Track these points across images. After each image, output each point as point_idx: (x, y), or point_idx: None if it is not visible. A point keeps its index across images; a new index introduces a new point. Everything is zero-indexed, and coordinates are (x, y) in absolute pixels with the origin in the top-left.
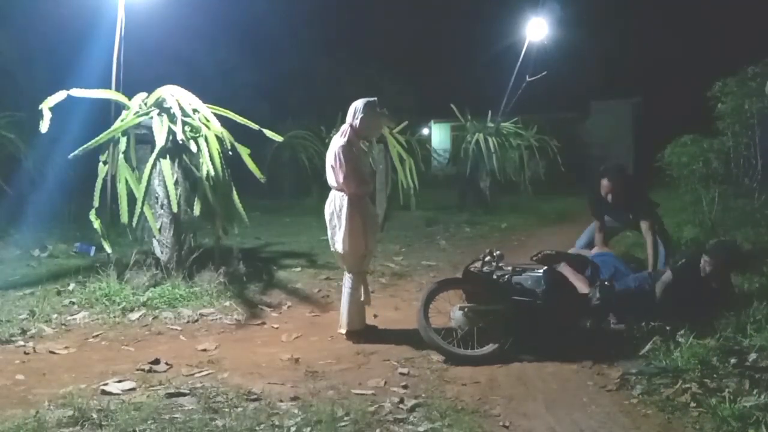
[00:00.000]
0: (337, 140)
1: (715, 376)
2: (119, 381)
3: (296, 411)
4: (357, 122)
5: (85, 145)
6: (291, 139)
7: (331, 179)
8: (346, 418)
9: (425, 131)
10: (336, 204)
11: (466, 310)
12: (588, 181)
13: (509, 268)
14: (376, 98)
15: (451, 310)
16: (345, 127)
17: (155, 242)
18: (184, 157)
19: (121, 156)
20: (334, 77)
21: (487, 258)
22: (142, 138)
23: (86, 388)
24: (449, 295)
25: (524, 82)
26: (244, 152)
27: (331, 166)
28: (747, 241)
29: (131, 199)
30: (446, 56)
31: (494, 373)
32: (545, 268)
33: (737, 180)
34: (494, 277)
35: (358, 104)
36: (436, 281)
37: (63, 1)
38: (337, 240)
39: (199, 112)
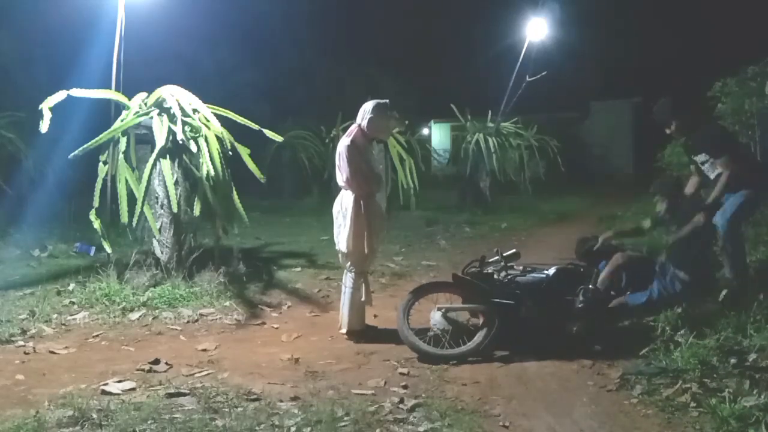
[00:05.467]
0: (343, 140)
1: (715, 376)
2: (119, 381)
3: (296, 411)
4: (365, 123)
5: (85, 145)
6: (291, 139)
7: (338, 178)
8: (346, 418)
9: (425, 131)
10: (343, 203)
11: (444, 310)
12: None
13: (520, 267)
14: (387, 101)
15: (431, 313)
16: (353, 127)
17: (155, 242)
18: (184, 157)
19: (121, 156)
20: (334, 77)
21: (495, 258)
22: (142, 138)
23: (86, 388)
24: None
25: (524, 82)
26: (244, 152)
27: (337, 165)
28: (747, 241)
29: (131, 199)
30: (446, 56)
31: (494, 373)
32: (556, 267)
33: None
34: (495, 276)
35: (368, 105)
36: (415, 288)
37: (63, 1)
38: (342, 239)
39: (199, 112)
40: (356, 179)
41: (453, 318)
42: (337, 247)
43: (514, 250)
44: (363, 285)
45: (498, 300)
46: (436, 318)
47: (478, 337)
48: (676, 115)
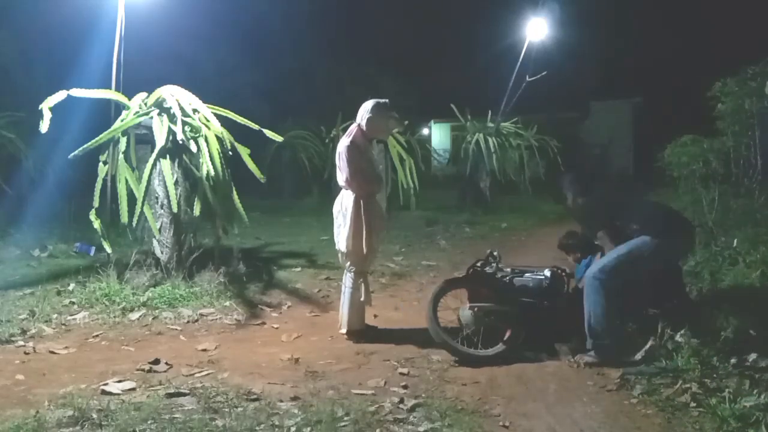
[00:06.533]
0: (343, 140)
1: (715, 376)
2: (119, 381)
3: (296, 411)
4: (365, 122)
5: (85, 145)
6: (291, 139)
7: (338, 178)
8: (346, 418)
9: (425, 131)
10: (343, 203)
11: (476, 309)
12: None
13: (508, 269)
14: (387, 100)
15: (460, 309)
16: (352, 127)
17: (155, 242)
18: (184, 157)
19: (121, 156)
20: (334, 77)
21: (489, 258)
22: (142, 138)
23: (86, 388)
24: (454, 294)
25: (524, 82)
26: (244, 152)
27: (338, 166)
28: (747, 241)
29: (131, 199)
30: (446, 56)
31: (494, 373)
32: (550, 269)
33: (737, 180)
34: (497, 277)
35: (367, 105)
36: (444, 280)
37: (63, 1)
38: (342, 239)
39: (199, 112)
40: (357, 179)
41: (482, 317)
42: (336, 247)
43: (496, 252)
44: (362, 285)
45: (526, 299)
46: (465, 315)
47: (509, 337)
48: (569, 187)
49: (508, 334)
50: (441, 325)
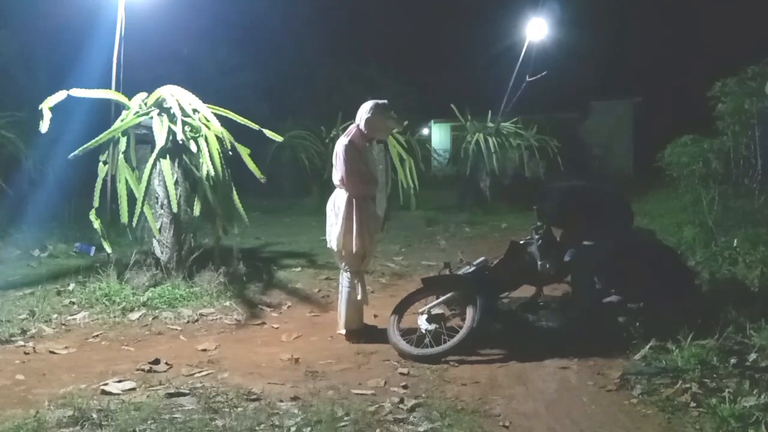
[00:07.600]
0: (342, 140)
1: (715, 376)
2: (119, 381)
3: (296, 411)
4: (364, 123)
5: (85, 145)
6: (291, 139)
7: (333, 177)
8: (346, 418)
9: (425, 131)
10: (336, 201)
11: (426, 312)
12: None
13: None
14: (386, 101)
15: (418, 322)
16: (351, 127)
17: (155, 242)
18: (184, 157)
19: (121, 156)
20: (334, 77)
21: (463, 266)
22: (142, 138)
23: (86, 388)
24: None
25: (524, 82)
26: (244, 152)
27: (334, 165)
28: (747, 241)
29: (131, 199)
30: (446, 56)
31: (494, 373)
32: (510, 240)
33: (737, 180)
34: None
35: (366, 105)
36: (396, 306)
37: (63, 1)
38: (333, 237)
39: (199, 112)
40: (352, 180)
41: (438, 314)
42: (328, 245)
43: (483, 258)
44: (359, 284)
45: (470, 276)
46: (423, 323)
47: (469, 317)
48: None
49: (467, 319)
50: (405, 341)
